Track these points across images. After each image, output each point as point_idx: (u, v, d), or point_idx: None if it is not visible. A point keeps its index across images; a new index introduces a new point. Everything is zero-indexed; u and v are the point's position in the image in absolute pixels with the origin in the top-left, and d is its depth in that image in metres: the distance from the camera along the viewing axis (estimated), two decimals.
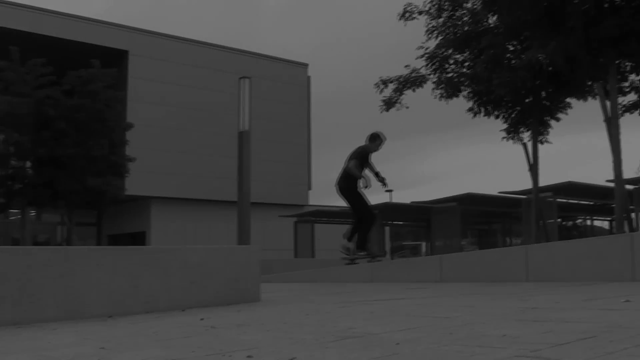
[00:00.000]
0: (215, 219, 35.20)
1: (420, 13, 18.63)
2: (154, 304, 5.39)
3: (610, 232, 30.14)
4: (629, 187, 20.69)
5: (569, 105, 19.74)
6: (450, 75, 19.19)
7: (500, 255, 8.99)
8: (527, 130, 19.79)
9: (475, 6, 18.04)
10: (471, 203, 26.89)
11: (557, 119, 19.89)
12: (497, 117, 19.64)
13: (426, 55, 19.00)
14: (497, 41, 17.64)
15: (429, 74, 19.20)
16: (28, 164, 26.06)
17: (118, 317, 5.00)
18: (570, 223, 35.00)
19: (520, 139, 19.91)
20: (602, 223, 35.42)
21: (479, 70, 17.80)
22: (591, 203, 29.97)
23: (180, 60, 36.39)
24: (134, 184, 30.78)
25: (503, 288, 6.88)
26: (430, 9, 18.59)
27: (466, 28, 18.46)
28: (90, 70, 25.72)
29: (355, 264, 10.71)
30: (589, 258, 7.54)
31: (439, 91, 19.19)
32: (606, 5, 14.80)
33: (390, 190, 39.36)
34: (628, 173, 18.62)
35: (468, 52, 18.95)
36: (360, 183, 10.43)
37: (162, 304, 5.43)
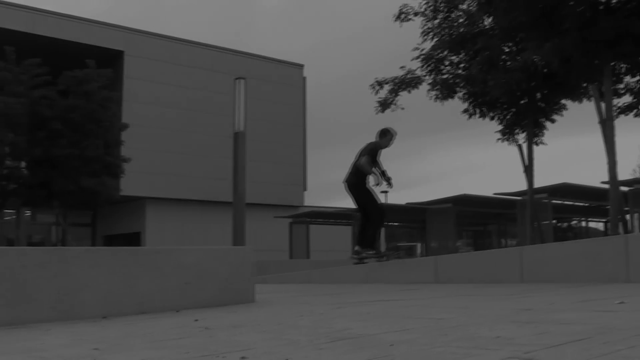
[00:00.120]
0: (211, 219, 35.19)
1: (415, 14, 18.66)
2: (149, 305, 5.38)
3: (605, 233, 30.19)
4: (623, 188, 20.73)
5: (564, 107, 19.80)
6: (445, 76, 19.23)
7: (495, 257, 9.00)
8: (522, 132, 19.84)
9: (470, 7, 18.07)
10: (466, 204, 26.92)
11: (552, 121, 19.95)
12: (492, 118, 19.69)
13: (422, 57, 19.04)
14: (492, 43, 17.69)
15: (425, 75, 19.24)
16: (23, 164, 26.01)
17: (112, 318, 5.00)
18: (565, 224, 35.05)
19: (516, 141, 19.97)
20: (597, 224, 35.50)
21: (475, 71, 17.84)
22: (586, 204, 30.04)
23: (175, 60, 36.39)
24: (129, 185, 30.77)
25: (498, 289, 6.88)
26: (425, 10, 18.62)
27: (462, 29, 18.50)
28: (86, 70, 25.70)
29: (364, 263, 10.40)
30: (583, 259, 7.55)
31: (434, 92, 19.23)
32: (601, 7, 14.82)
33: (385, 192, 39.41)
34: (623, 174, 18.68)
35: (463, 54, 19.00)
36: (371, 180, 10.22)
37: (156, 304, 5.43)
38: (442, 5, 18.55)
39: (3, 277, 4.70)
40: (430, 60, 19.02)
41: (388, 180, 10.38)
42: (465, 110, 19.58)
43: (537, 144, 19.88)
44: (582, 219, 34.98)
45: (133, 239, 35.45)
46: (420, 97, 19.47)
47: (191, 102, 36.39)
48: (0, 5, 31.36)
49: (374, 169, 10.17)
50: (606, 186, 16.87)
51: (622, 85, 18.21)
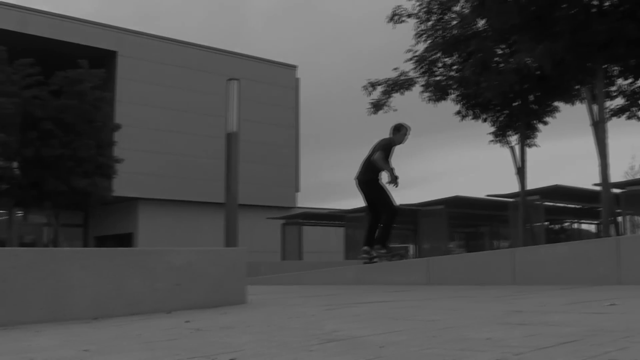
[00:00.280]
0: (203, 220, 35.15)
1: (409, 16, 18.69)
2: (139, 306, 5.36)
3: (597, 235, 30.27)
4: (615, 190, 20.79)
5: (556, 109, 19.87)
6: (438, 78, 19.27)
7: (487, 258, 9.01)
8: (515, 134, 19.89)
9: (464, 9, 18.11)
10: (459, 206, 26.93)
11: (545, 123, 20.02)
12: (485, 120, 19.75)
13: (415, 59, 19.07)
14: (485, 45, 17.74)
15: (418, 77, 19.27)
16: (15, 164, 25.94)
17: (103, 319, 4.98)
18: (557, 226, 35.14)
19: (508, 143, 20.01)
20: (590, 226, 35.60)
21: (468, 73, 17.88)
22: (578, 206, 30.11)
23: (168, 61, 36.35)
24: (121, 185, 30.71)
25: (489, 291, 6.89)
26: (419, 12, 18.64)
27: (455, 31, 18.53)
28: (78, 70, 25.66)
29: (374, 262, 10.13)
30: (575, 261, 7.57)
31: (427, 94, 19.25)
32: (594, 10, 14.88)
33: None
34: (615, 177, 18.74)
35: (456, 56, 19.04)
36: (385, 177, 9.93)
37: (147, 306, 5.41)
38: (435, 7, 18.58)
39: None
40: (424, 62, 19.06)
41: (395, 180, 9.94)
42: (458, 112, 19.63)
43: (529, 146, 19.94)
44: (574, 220, 35.07)
45: (125, 240, 35.38)
46: (413, 99, 19.52)
47: (184, 103, 36.36)
48: None
49: (389, 165, 9.85)
50: (598, 188, 16.93)
51: (614, 88, 18.29)
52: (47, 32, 32.17)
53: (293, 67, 42.15)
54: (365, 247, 10.37)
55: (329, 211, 36.07)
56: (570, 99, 19.00)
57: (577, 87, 18.13)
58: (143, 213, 35.86)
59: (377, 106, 19.38)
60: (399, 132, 10.19)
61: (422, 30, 18.79)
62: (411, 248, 37.66)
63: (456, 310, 4.90)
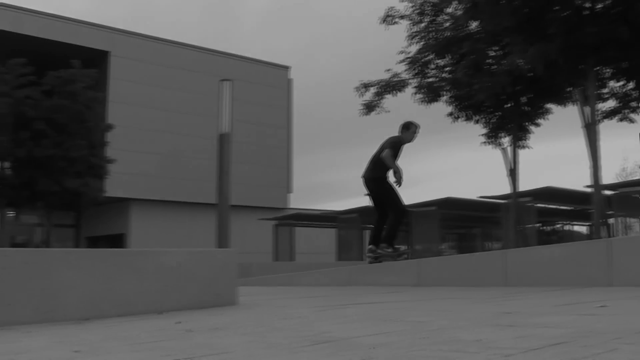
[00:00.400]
0: (195, 221, 35.08)
1: (402, 17, 18.70)
2: (130, 307, 5.35)
3: (588, 237, 30.34)
4: (607, 192, 20.86)
5: (548, 111, 19.90)
6: (430, 80, 19.29)
7: (478, 260, 9.02)
8: (508, 135, 19.91)
9: (457, 11, 18.13)
10: (450, 207, 26.96)
11: (537, 124, 20.05)
12: (477, 122, 19.76)
13: (407, 60, 19.09)
14: (478, 47, 17.78)
15: (410, 79, 19.28)
16: (7, 164, 25.86)
17: (94, 320, 4.97)
18: (549, 228, 35.23)
19: (500, 144, 20.04)
20: (581, 228, 35.69)
21: (460, 75, 17.91)
22: (570, 208, 30.18)
23: (161, 61, 36.30)
24: (114, 186, 30.64)
25: (480, 292, 6.90)
26: (412, 13, 18.66)
27: (447, 33, 18.56)
28: (71, 70, 25.58)
29: (379, 262, 9.96)
30: (566, 263, 7.59)
31: (419, 96, 19.27)
32: (586, 13, 14.92)
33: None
34: (607, 179, 18.80)
35: (449, 57, 19.07)
36: (393, 175, 9.76)
37: (138, 307, 5.40)
38: (428, 8, 18.60)
39: None
40: (416, 63, 19.08)
41: (400, 180, 9.77)
42: (450, 114, 19.64)
43: (521, 148, 19.98)
44: (566, 222, 35.15)
45: (117, 241, 35.31)
46: (406, 100, 19.52)
47: (176, 103, 36.31)
48: None
49: (396, 164, 9.71)
50: (590, 190, 16.98)
51: (606, 90, 18.35)
52: (39, 32, 32.06)
53: (286, 68, 42.14)
54: (371, 246, 10.18)
55: (321, 212, 36.07)
56: (562, 101, 19.05)
57: (569, 89, 18.17)
58: (135, 214, 35.80)
59: (369, 107, 19.39)
60: (409, 130, 10.06)
61: (415, 32, 18.81)
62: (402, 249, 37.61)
63: (447, 311, 4.91)
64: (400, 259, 10.17)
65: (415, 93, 19.26)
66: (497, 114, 19.61)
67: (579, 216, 31.86)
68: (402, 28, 18.97)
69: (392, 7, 18.63)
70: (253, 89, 37.85)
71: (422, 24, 18.82)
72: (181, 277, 5.75)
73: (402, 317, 4.55)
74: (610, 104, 18.81)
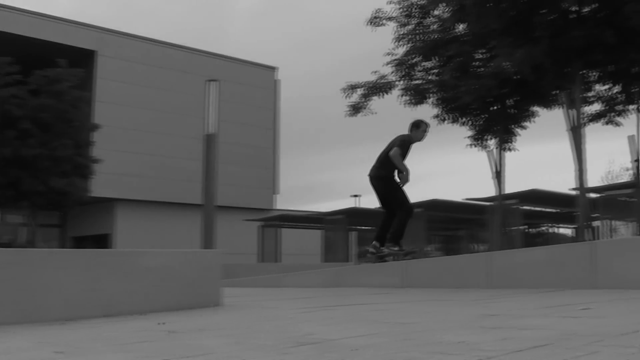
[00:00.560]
0: (181, 221, 34.96)
1: (389, 19, 18.67)
2: (115, 308, 5.33)
3: (573, 239, 30.47)
4: (592, 195, 20.94)
5: (535, 114, 19.94)
6: (417, 82, 19.28)
7: (464, 262, 9.04)
8: (494, 138, 19.94)
9: (444, 13, 18.12)
10: (437, 209, 27.00)
11: (523, 127, 20.08)
12: (463, 124, 19.77)
13: (394, 62, 19.07)
14: (464, 49, 17.80)
15: (397, 81, 19.26)
16: None
17: (77, 321, 4.95)
18: (534, 230, 35.35)
19: (486, 147, 20.05)
20: (566, 230, 35.85)
21: (447, 77, 17.92)
22: (555, 211, 30.29)
23: (148, 61, 36.19)
24: (99, 186, 30.52)
25: (466, 294, 6.91)
26: (399, 15, 18.63)
27: (435, 36, 18.55)
28: (57, 69, 25.45)
29: (384, 261, 9.83)
30: (550, 265, 7.61)
31: (406, 98, 19.25)
32: (573, 16, 14.98)
33: (357, 195, 39.53)
34: (592, 182, 18.89)
35: (436, 60, 19.06)
36: (397, 175, 9.69)
37: (122, 307, 5.38)
38: (415, 10, 18.59)
39: None
40: (403, 66, 19.08)
41: (405, 180, 9.71)
42: (437, 116, 19.64)
43: (508, 150, 20.00)
44: (551, 225, 35.28)
45: (102, 241, 35.17)
46: (392, 102, 19.50)
47: (163, 104, 36.21)
48: None
49: (404, 164, 9.60)
50: (575, 193, 17.04)
51: (592, 93, 18.41)
52: (26, 31, 31.89)
53: (272, 69, 42.10)
54: (374, 243, 10.05)
55: (308, 213, 36.04)
56: (548, 103, 19.09)
57: (555, 92, 18.22)
58: (120, 214, 35.68)
59: (355, 109, 19.35)
60: (418, 128, 9.89)
61: (402, 34, 18.78)
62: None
63: (431, 313, 4.92)
64: (407, 258, 9.98)
65: (402, 95, 19.23)
66: (483, 116, 19.62)
67: (565, 219, 31.98)
68: (391, 30, 18.96)
69: (379, 9, 18.60)
70: (240, 89, 37.80)
71: (409, 26, 18.81)
72: (165, 277, 5.74)
73: (387, 319, 4.56)
74: (596, 107, 18.88)
